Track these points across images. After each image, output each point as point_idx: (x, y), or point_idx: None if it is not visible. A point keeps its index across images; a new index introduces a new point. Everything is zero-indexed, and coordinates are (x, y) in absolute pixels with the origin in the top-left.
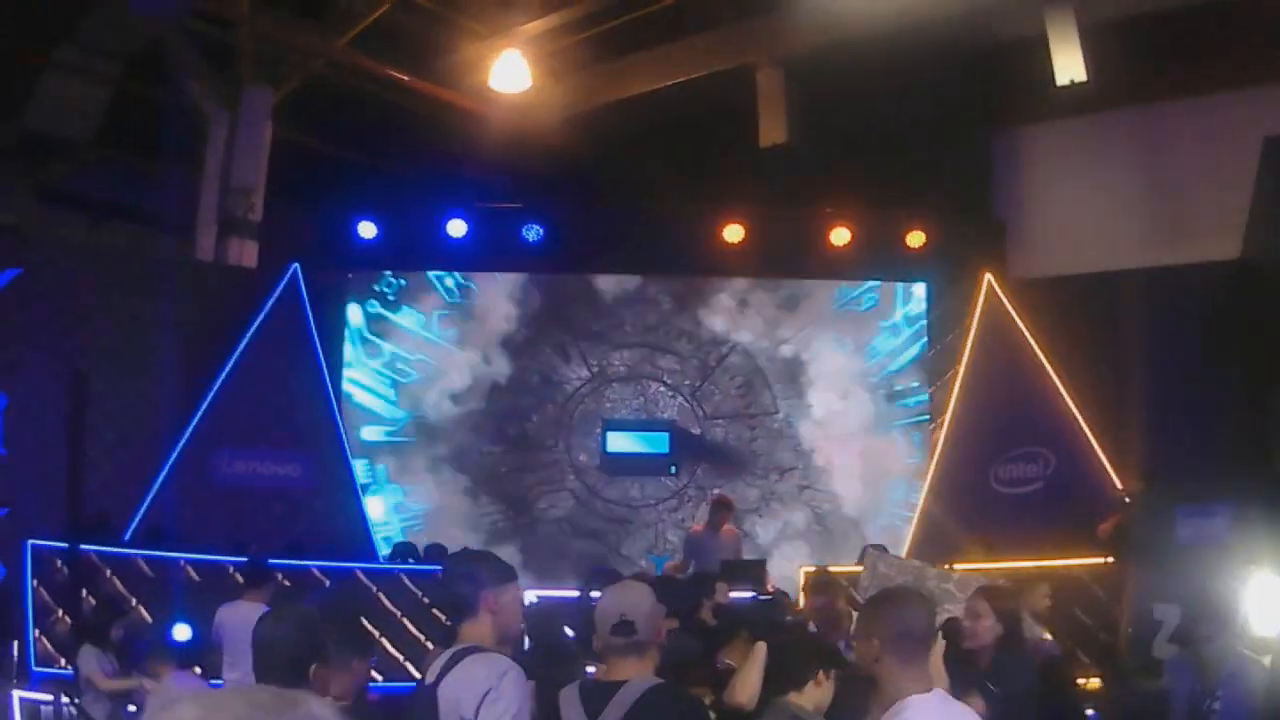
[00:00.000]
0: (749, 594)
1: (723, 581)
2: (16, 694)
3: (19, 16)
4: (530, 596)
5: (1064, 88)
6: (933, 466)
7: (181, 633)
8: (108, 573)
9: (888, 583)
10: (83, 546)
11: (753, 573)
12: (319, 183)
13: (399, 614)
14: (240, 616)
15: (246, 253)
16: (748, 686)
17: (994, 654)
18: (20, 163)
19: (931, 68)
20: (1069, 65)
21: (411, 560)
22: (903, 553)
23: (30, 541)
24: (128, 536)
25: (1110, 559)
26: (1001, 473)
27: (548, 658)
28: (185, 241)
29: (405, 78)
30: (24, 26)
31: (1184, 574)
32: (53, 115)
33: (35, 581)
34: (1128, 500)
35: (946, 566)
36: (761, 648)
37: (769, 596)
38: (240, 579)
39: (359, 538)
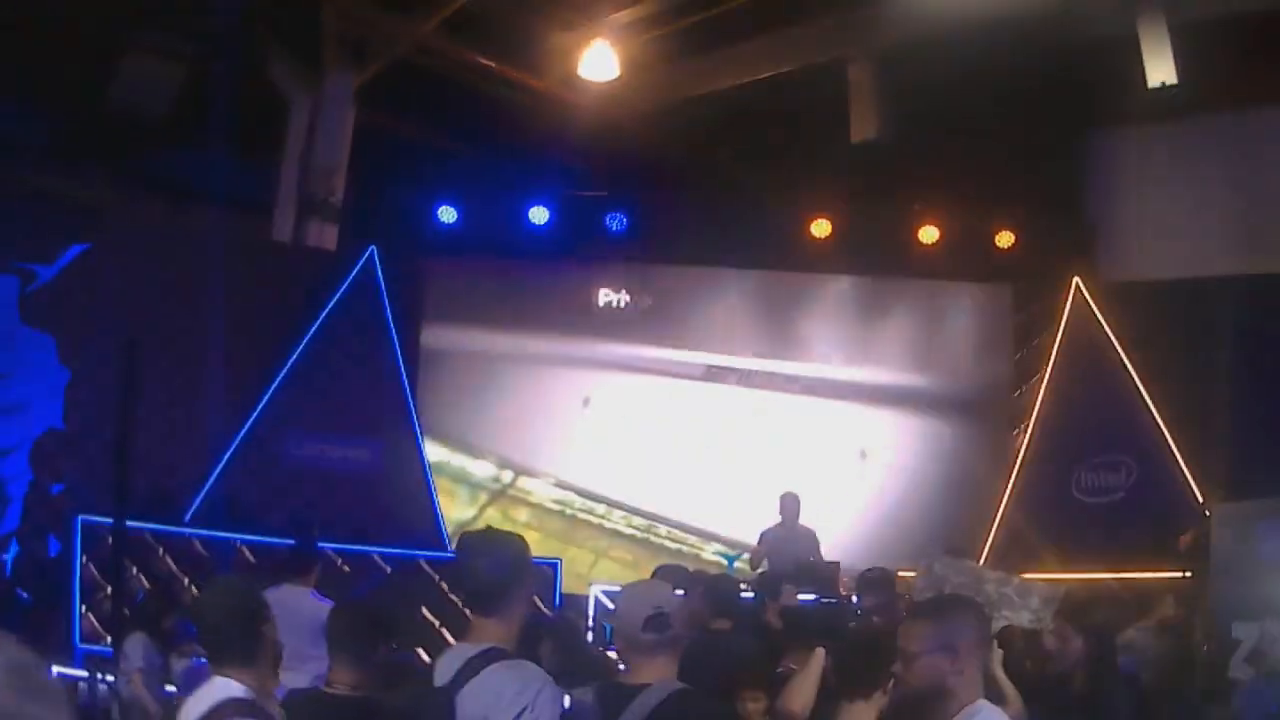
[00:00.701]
0: (814, 597)
1: (790, 584)
2: (55, 669)
3: None
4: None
5: (1155, 90)
6: (1015, 472)
7: None
8: (160, 552)
9: (943, 586)
10: (135, 524)
11: (822, 575)
12: (401, 167)
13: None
14: (282, 601)
15: (326, 235)
16: (801, 694)
17: (1087, 678)
18: (100, 143)
19: (1025, 65)
20: (1160, 67)
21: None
22: (980, 561)
23: (81, 517)
24: (189, 516)
25: (1189, 573)
26: (1083, 481)
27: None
28: (264, 224)
29: (492, 64)
30: (106, 6)
31: (1265, 592)
32: (132, 95)
33: (85, 558)
34: (1208, 514)
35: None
36: (819, 655)
37: (833, 600)
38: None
39: (427, 526)
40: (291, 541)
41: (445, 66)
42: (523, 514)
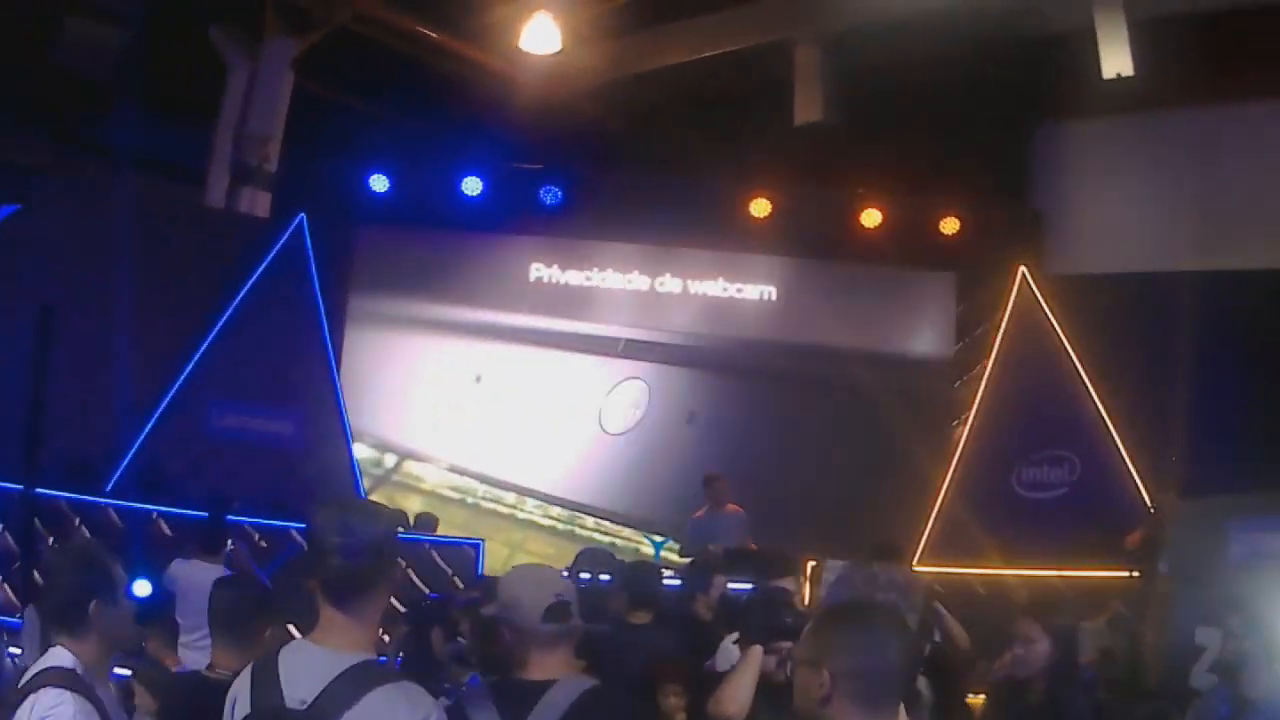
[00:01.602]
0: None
1: (720, 573)
2: None
3: None
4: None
5: (1111, 83)
6: (953, 464)
7: (141, 589)
8: (76, 521)
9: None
10: (49, 492)
11: (759, 561)
12: (336, 136)
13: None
14: (189, 576)
15: (259, 203)
16: (736, 696)
17: (1046, 685)
18: (40, 105)
19: (976, 53)
20: (1116, 58)
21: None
22: (916, 556)
23: None
24: (110, 486)
25: (1137, 573)
26: (1025, 475)
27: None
28: (198, 190)
29: (432, 34)
30: None
31: (1233, 594)
32: (72, 56)
33: (1, 526)
34: (1154, 511)
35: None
36: (756, 652)
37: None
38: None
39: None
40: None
41: (385, 36)
42: (414, 503)
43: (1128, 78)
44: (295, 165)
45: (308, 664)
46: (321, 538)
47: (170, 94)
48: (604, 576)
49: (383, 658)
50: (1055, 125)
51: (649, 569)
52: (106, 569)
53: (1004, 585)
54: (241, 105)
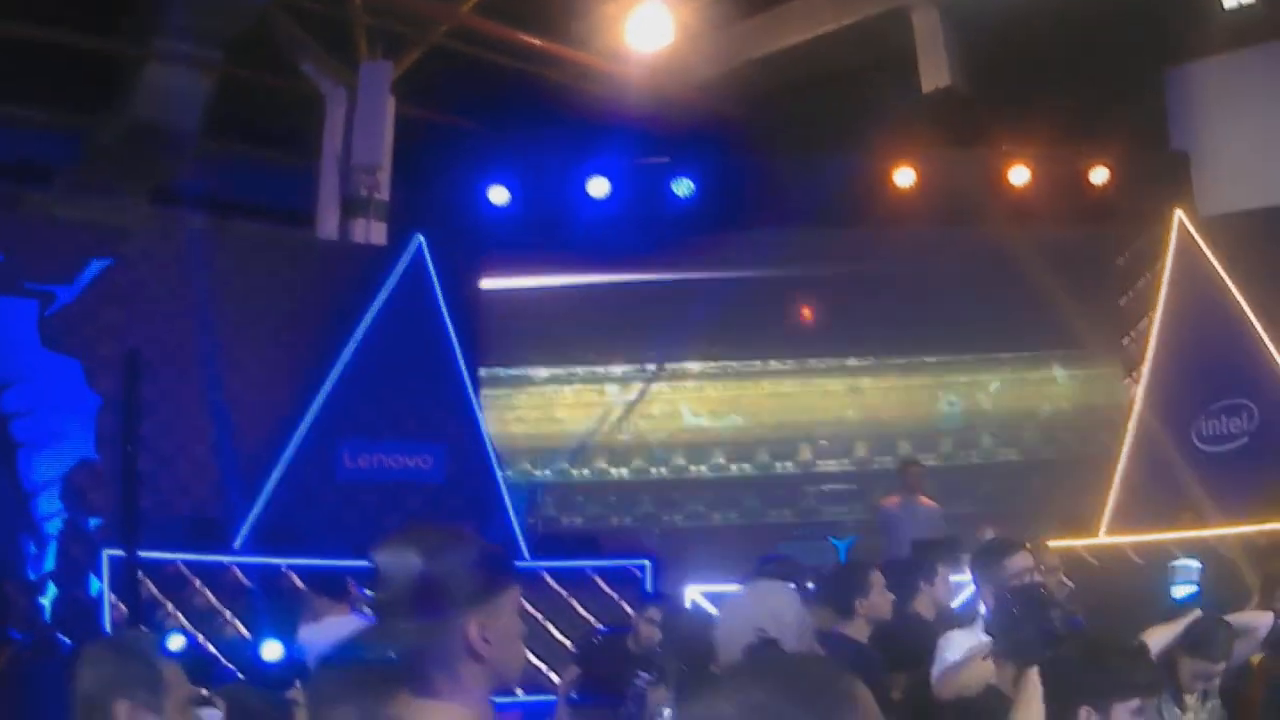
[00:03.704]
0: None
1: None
2: None
3: (117, 6)
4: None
5: (1233, 12)
6: (1130, 426)
7: (270, 651)
8: (197, 584)
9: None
10: (160, 555)
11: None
12: (448, 157)
13: (540, 617)
14: (324, 636)
15: (375, 235)
16: None
17: None
18: (128, 161)
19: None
20: None
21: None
22: (1101, 527)
23: (107, 552)
24: (238, 544)
25: None
26: (1205, 429)
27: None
28: (307, 230)
29: (535, 42)
30: (122, 16)
31: None
32: (157, 106)
33: (113, 596)
34: None
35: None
36: (1034, 681)
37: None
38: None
39: (502, 533)
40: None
41: (486, 50)
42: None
43: (1249, 6)
44: (408, 192)
45: None
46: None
47: (265, 135)
48: (809, 585)
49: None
50: (1183, 65)
51: (856, 570)
52: (144, 664)
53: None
54: (343, 137)
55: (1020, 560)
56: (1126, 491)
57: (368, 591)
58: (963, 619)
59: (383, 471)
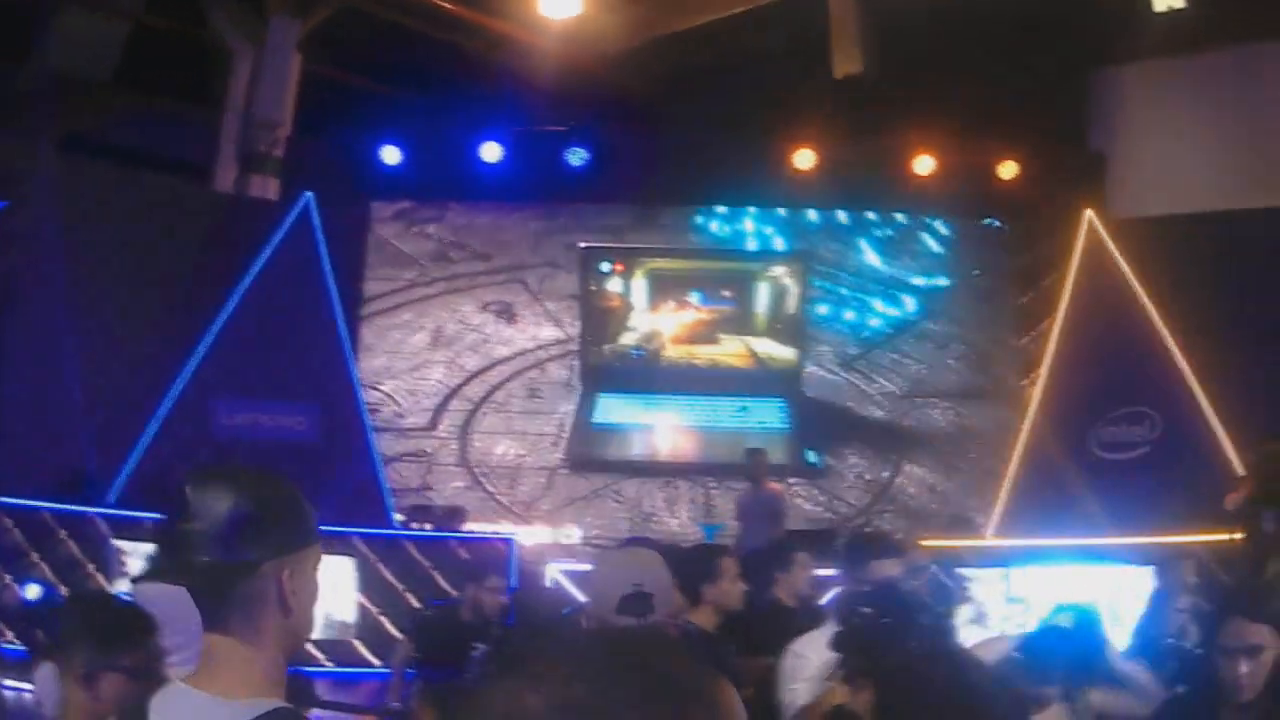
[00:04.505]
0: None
1: (804, 553)
2: None
3: None
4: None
5: (1162, 20)
6: (1025, 429)
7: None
8: (61, 534)
9: None
10: (29, 503)
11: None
12: (347, 116)
13: (401, 588)
14: (159, 590)
15: (270, 191)
16: None
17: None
18: (39, 108)
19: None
20: None
21: (429, 526)
22: (990, 529)
23: None
24: (113, 497)
25: (1243, 535)
26: (1105, 435)
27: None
28: (205, 181)
29: (446, 5)
30: None
31: None
32: (70, 54)
33: None
34: (1260, 462)
35: None
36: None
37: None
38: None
39: (371, 499)
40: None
41: (392, 11)
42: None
43: (1178, 14)
44: (302, 147)
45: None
46: (177, 527)
47: (172, 86)
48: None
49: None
50: (1108, 67)
51: (706, 556)
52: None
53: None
54: (247, 91)
55: (887, 568)
56: (1017, 495)
57: (172, 523)
58: (820, 615)
59: (258, 429)
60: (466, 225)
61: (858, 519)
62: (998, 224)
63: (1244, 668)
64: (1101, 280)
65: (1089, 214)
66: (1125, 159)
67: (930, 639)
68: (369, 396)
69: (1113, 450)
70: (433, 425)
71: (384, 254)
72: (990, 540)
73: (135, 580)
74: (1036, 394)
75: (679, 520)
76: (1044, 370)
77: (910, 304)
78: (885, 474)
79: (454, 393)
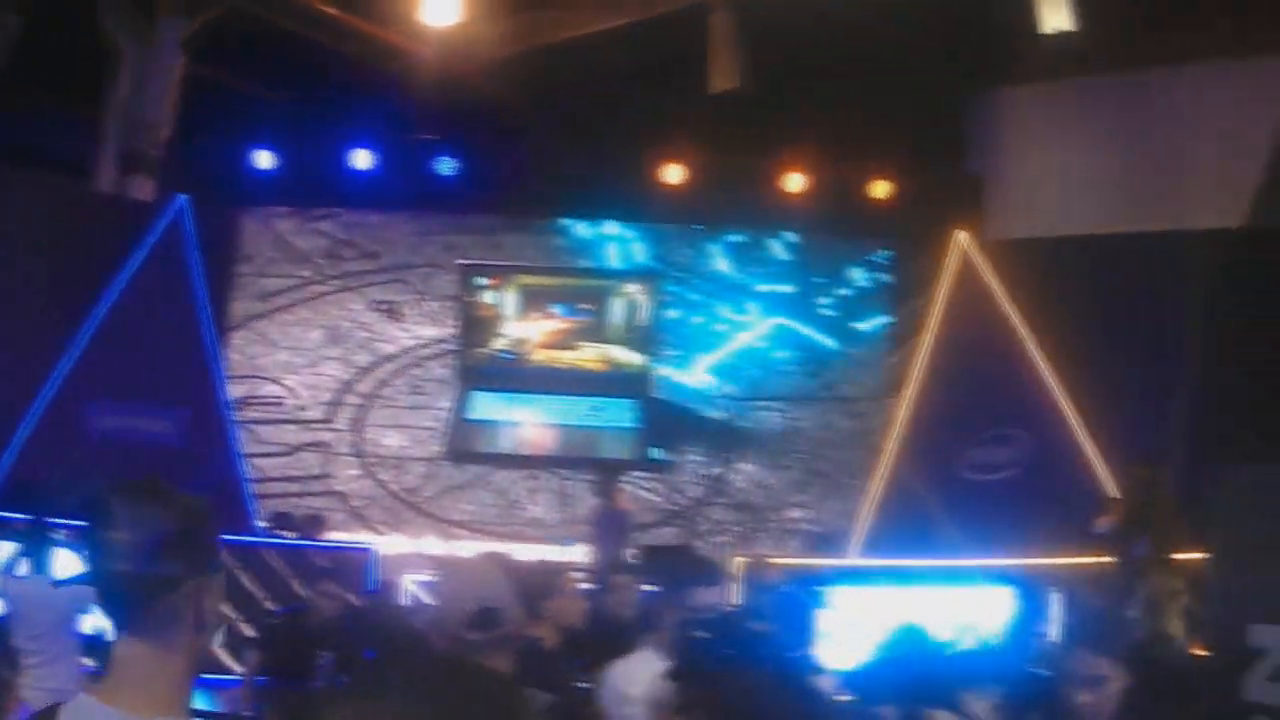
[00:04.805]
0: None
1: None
2: None
3: None
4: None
5: (1048, 44)
6: (890, 449)
7: None
8: None
9: None
10: None
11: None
12: (227, 119)
13: (261, 596)
14: (25, 591)
15: (149, 191)
16: None
17: None
18: None
19: (906, 13)
20: (1056, 11)
21: (292, 534)
22: (852, 548)
23: None
24: None
25: (1116, 558)
26: (972, 456)
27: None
28: (88, 181)
29: (329, 11)
30: None
31: None
32: None
33: None
34: (1136, 486)
35: None
36: None
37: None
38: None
39: (234, 505)
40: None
41: (278, 15)
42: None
43: (1065, 39)
44: (183, 151)
45: None
46: (103, 535)
47: (62, 85)
48: None
49: None
50: (992, 89)
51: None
52: None
53: None
54: (131, 90)
55: (708, 594)
56: (882, 513)
57: (95, 531)
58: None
59: (127, 433)
60: (358, 223)
61: (692, 510)
62: (867, 241)
63: (1086, 697)
64: (973, 301)
65: (961, 235)
66: (1005, 181)
67: (771, 668)
68: (273, 390)
69: (981, 471)
70: (330, 418)
71: (285, 251)
72: (852, 560)
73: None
74: (903, 413)
75: (540, 508)
76: (911, 389)
77: (755, 311)
78: (719, 470)
79: (347, 387)
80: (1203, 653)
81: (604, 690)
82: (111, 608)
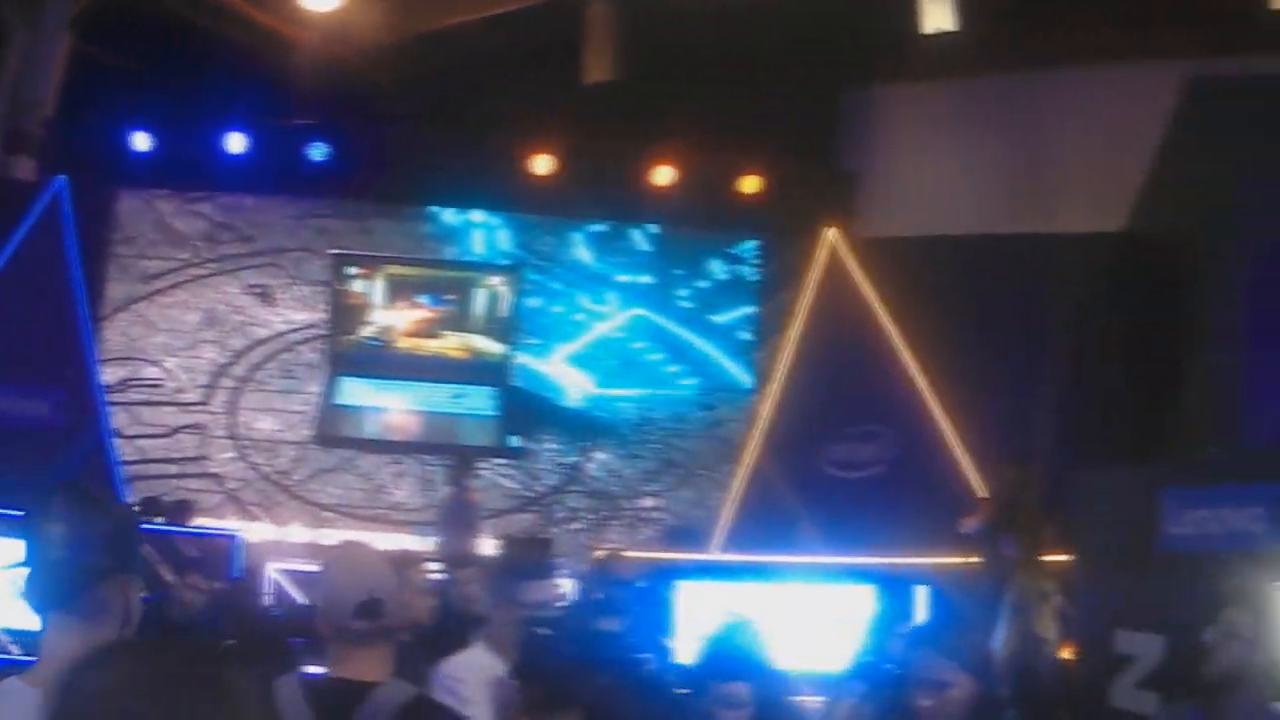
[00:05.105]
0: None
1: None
2: None
3: None
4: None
5: (928, 42)
6: (753, 444)
7: None
8: None
9: None
10: None
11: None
12: (109, 100)
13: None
14: None
15: (28, 169)
16: None
17: None
18: None
19: (786, 7)
20: (938, 11)
21: (161, 520)
22: (714, 543)
23: None
24: None
25: (984, 558)
26: (837, 453)
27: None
28: None
29: None
30: None
31: (1177, 588)
32: None
33: None
34: (1005, 486)
35: None
36: None
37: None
38: None
39: (104, 487)
40: None
41: None
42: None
43: (946, 38)
44: (65, 131)
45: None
46: (45, 528)
47: None
48: None
49: None
50: (870, 86)
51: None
52: None
53: None
54: (18, 69)
55: (541, 590)
56: (743, 510)
57: (35, 521)
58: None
59: (1, 416)
60: (234, 206)
61: (548, 498)
62: (733, 235)
63: (926, 701)
64: (841, 298)
65: (831, 231)
66: (880, 179)
67: (618, 669)
68: (153, 372)
69: (846, 468)
70: (206, 400)
71: (166, 233)
72: (712, 555)
73: None
74: (767, 407)
75: (403, 493)
76: (775, 383)
77: (614, 301)
78: (575, 458)
79: (223, 370)
80: (1071, 656)
81: (434, 686)
82: (46, 594)
